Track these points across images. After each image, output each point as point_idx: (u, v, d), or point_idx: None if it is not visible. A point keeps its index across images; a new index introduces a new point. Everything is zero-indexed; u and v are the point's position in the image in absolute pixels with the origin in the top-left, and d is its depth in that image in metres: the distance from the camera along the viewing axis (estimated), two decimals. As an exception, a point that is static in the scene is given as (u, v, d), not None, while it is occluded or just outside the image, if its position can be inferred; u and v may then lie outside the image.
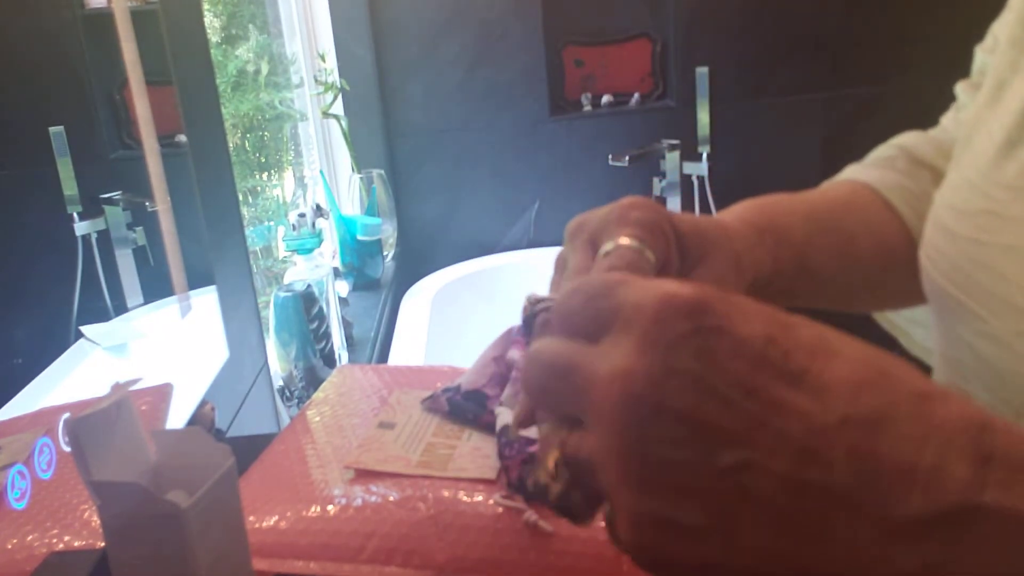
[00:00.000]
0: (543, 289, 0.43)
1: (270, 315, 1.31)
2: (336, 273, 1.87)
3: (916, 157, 0.55)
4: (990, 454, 0.22)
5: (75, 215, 0.67)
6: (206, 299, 0.92)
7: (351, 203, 2.10)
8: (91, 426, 0.34)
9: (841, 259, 0.49)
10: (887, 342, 0.63)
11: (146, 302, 0.78)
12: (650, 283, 0.25)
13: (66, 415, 0.39)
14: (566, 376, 0.26)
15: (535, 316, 0.37)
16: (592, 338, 0.26)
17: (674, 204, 2.21)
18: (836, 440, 0.22)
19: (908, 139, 0.57)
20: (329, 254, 1.95)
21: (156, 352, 0.78)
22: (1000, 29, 0.49)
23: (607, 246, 0.35)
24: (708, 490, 0.23)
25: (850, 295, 0.54)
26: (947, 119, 0.58)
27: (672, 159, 2.18)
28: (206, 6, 1.55)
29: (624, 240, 0.35)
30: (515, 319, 0.38)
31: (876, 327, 0.65)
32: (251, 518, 0.47)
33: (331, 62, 2.11)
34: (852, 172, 0.57)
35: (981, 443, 0.22)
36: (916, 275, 0.52)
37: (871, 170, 0.56)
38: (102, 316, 0.71)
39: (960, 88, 0.56)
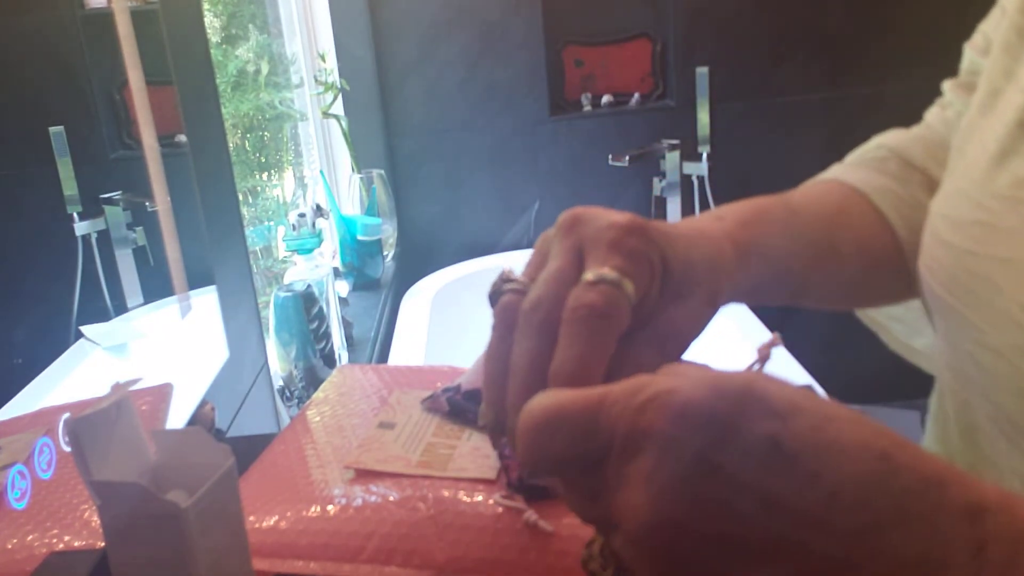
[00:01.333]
0: None
1: (270, 315, 1.31)
2: (336, 273, 1.87)
3: (907, 160, 0.54)
4: (984, 542, 0.23)
5: (75, 215, 0.67)
6: (206, 299, 0.92)
7: (351, 203, 2.10)
8: (91, 426, 0.34)
9: (825, 271, 0.49)
10: (870, 337, 0.63)
11: (146, 302, 0.78)
12: (638, 399, 0.25)
13: (66, 415, 0.39)
14: (594, 500, 0.27)
15: (501, 294, 0.36)
16: (586, 470, 0.27)
17: (674, 204, 2.22)
18: (859, 548, 0.23)
19: (896, 139, 0.56)
20: (329, 254, 1.95)
21: (156, 352, 0.78)
22: (992, 30, 0.49)
23: (589, 275, 0.33)
24: None
25: (831, 299, 0.53)
26: (932, 116, 0.57)
27: (672, 159, 2.18)
28: (206, 6, 1.55)
29: (607, 272, 0.33)
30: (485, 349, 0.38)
31: (858, 322, 0.65)
32: (251, 518, 0.47)
33: (331, 62, 2.10)
34: (838, 172, 0.56)
35: (975, 531, 0.23)
36: (900, 278, 0.51)
37: (860, 171, 0.54)
38: (102, 316, 0.71)
39: (947, 86, 0.55)
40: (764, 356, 0.53)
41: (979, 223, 0.39)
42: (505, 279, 0.37)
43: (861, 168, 0.55)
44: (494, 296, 0.37)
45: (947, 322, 0.42)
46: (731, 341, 1.65)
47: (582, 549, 0.31)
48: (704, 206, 2.24)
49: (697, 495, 0.23)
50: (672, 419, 0.24)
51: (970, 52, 0.52)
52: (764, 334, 1.66)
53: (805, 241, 0.48)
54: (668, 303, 0.36)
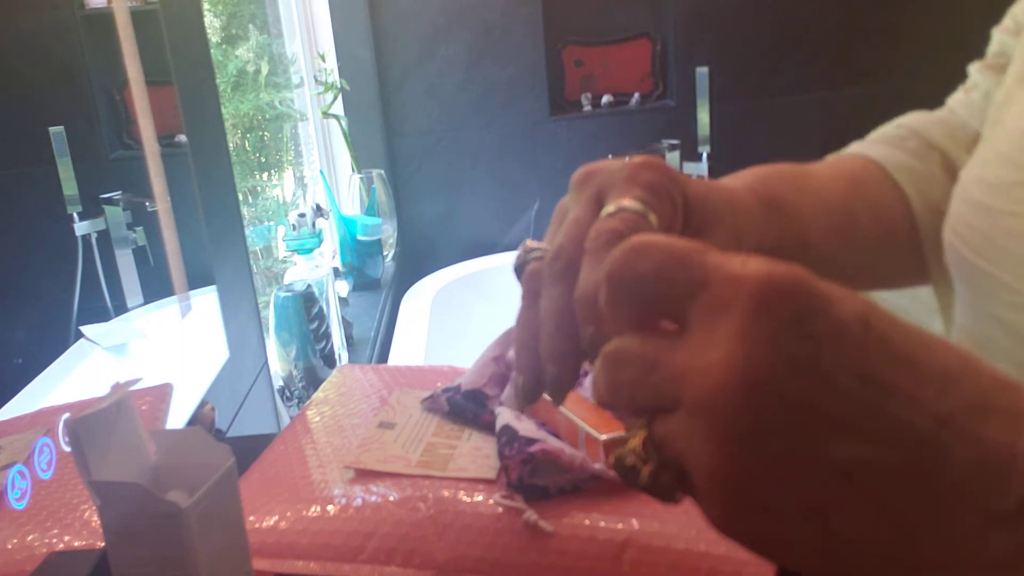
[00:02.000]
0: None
1: (270, 315, 1.31)
2: (336, 273, 1.87)
3: (926, 139, 0.54)
4: None
5: (75, 215, 0.67)
6: (206, 299, 0.92)
7: (351, 203, 2.10)
8: (91, 426, 0.34)
9: (842, 237, 0.49)
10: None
11: (146, 302, 0.78)
12: (738, 258, 0.24)
13: (66, 415, 0.39)
14: (648, 373, 0.25)
15: (526, 264, 0.36)
16: (665, 310, 0.25)
17: (674, 204, 2.22)
18: (950, 429, 0.22)
19: (916, 120, 0.57)
20: (329, 254, 1.95)
21: (156, 352, 0.78)
22: (1022, 12, 0.49)
23: (610, 207, 0.33)
24: (814, 479, 0.22)
25: (847, 272, 0.53)
26: (955, 100, 0.57)
27: (672, 159, 2.18)
28: (206, 6, 1.55)
29: (628, 202, 0.33)
30: (515, 319, 0.37)
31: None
32: (251, 518, 0.47)
33: (331, 62, 2.11)
34: (857, 148, 0.56)
35: None
36: (913, 255, 0.52)
37: (880, 147, 0.55)
38: (102, 316, 0.71)
39: (975, 68, 0.55)
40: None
41: (1020, 183, 0.39)
42: (528, 249, 0.36)
43: (880, 144, 0.56)
44: (519, 268, 0.36)
45: (975, 287, 0.43)
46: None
47: (611, 453, 0.28)
48: (704, 206, 2.24)
49: (792, 357, 0.22)
50: (771, 278, 0.23)
51: (1000, 35, 0.53)
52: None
53: (823, 203, 0.48)
54: (691, 238, 0.36)
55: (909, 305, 0.59)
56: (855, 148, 0.57)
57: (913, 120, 0.57)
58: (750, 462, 0.23)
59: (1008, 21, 0.52)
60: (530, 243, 0.36)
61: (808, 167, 0.50)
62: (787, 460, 0.22)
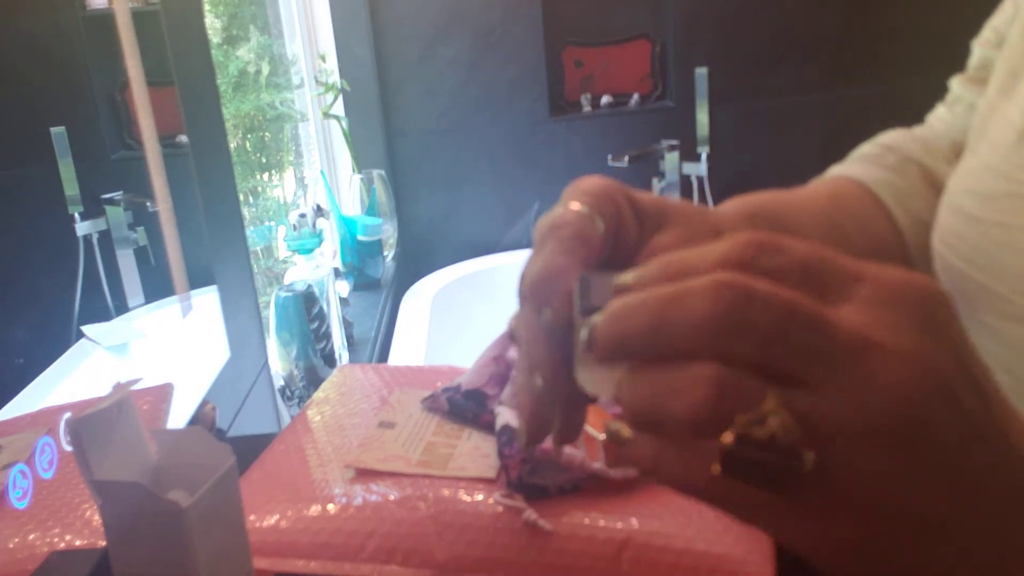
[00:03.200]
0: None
1: (271, 315, 1.31)
2: (336, 273, 1.87)
3: (904, 154, 0.55)
4: None
5: (76, 215, 0.68)
6: (207, 299, 0.92)
7: (351, 203, 2.10)
8: (92, 425, 0.34)
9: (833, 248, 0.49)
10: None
11: (147, 302, 0.78)
12: (890, 268, 0.25)
13: (67, 415, 0.39)
14: (811, 330, 0.23)
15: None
16: (824, 296, 0.24)
17: (674, 204, 2.21)
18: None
19: (893, 137, 0.57)
20: (329, 254, 1.95)
21: (157, 352, 0.78)
22: (1003, 24, 0.49)
23: (556, 210, 0.33)
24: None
25: None
26: (935, 117, 0.58)
27: (672, 159, 2.18)
28: (207, 7, 1.56)
29: (573, 205, 0.33)
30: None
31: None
32: (251, 517, 0.47)
33: (331, 63, 2.11)
34: (838, 169, 0.57)
35: None
36: (904, 267, 0.52)
37: (858, 166, 0.56)
38: (103, 316, 0.71)
39: (956, 82, 0.56)
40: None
41: (1009, 195, 0.40)
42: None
43: (858, 163, 0.56)
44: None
45: (965, 296, 0.43)
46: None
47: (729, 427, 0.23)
48: (704, 206, 2.24)
49: (964, 355, 0.24)
50: (927, 281, 0.25)
51: (980, 48, 0.53)
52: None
53: (814, 219, 0.48)
54: (652, 233, 0.36)
55: None
56: (834, 171, 0.57)
57: (889, 138, 0.58)
58: (914, 453, 0.23)
59: (988, 33, 0.52)
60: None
61: (791, 190, 0.50)
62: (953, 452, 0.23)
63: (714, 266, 0.24)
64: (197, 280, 0.89)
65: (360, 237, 1.88)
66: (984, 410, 0.24)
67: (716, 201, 2.20)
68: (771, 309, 0.23)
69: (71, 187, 0.66)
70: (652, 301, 0.24)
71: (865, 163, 0.55)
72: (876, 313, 0.23)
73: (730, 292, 0.23)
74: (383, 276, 1.97)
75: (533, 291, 0.30)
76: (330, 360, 1.37)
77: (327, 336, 1.36)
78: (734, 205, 0.44)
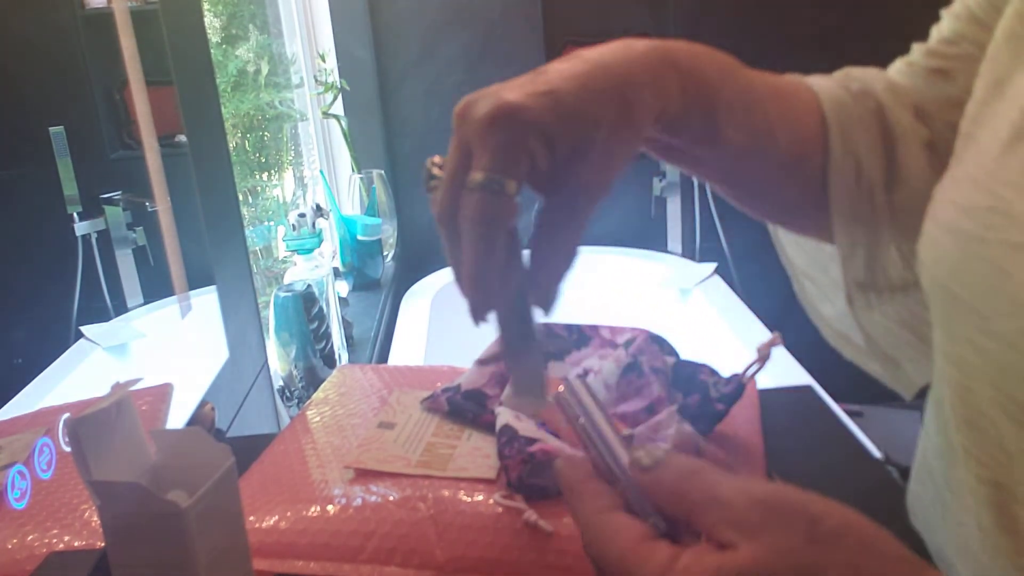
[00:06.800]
0: None
1: (270, 315, 1.31)
2: (336, 273, 1.87)
3: (867, 86, 0.53)
4: None
5: (75, 215, 0.67)
6: (206, 299, 0.92)
7: (351, 203, 2.10)
8: (91, 426, 0.34)
9: (755, 141, 0.46)
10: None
11: (146, 302, 0.78)
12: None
13: (66, 415, 0.39)
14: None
15: (429, 189, 0.39)
16: None
17: (674, 204, 2.21)
18: None
19: (863, 71, 0.55)
20: (329, 254, 1.95)
21: (156, 352, 0.78)
22: (975, 4, 0.49)
23: (469, 179, 0.36)
24: None
25: (753, 186, 0.50)
26: (894, 70, 0.56)
27: (672, 159, 2.18)
28: (206, 6, 1.55)
29: (480, 176, 0.35)
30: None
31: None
32: (251, 518, 0.47)
33: (331, 62, 2.10)
34: (800, 76, 0.56)
35: None
36: (820, 197, 0.50)
37: (821, 79, 0.55)
38: (102, 316, 0.71)
39: (918, 50, 0.55)
40: (764, 356, 0.53)
41: (990, 209, 0.39)
42: (430, 172, 0.40)
43: (822, 77, 0.55)
44: (424, 185, 0.40)
45: (947, 309, 0.42)
46: (731, 341, 1.65)
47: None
48: (704, 206, 2.24)
49: None
50: None
51: (948, 19, 0.52)
52: (764, 334, 1.66)
53: (744, 102, 0.45)
54: (568, 162, 0.37)
55: (818, 275, 0.59)
56: (796, 76, 0.55)
57: (860, 70, 0.55)
58: None
59: (958, 5, 0.51)
60: (433, 162, 0.40)
61: (746, 69, 0.47)
62: None
63: None
64: (196, 280, 0.89)
65: (360, 237, 1.87)
66: None
67: (717, 201, 2.20)
68: None
69: (70, 187, 0.66)
70: None
71: (830, 79, 0.55)
72: None
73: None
74: (383, 276, 1.96)
75: (480, 303, 0.38)
76: (329, 360, 1.37)
77: (326, 336, 1.36)
78: (669, 51, 0.41)
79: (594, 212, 0.37)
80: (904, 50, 0.57)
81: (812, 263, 0.59)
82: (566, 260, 0.38)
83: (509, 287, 0.38)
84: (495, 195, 0.35)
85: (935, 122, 0.50)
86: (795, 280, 0.61)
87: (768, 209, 0.55)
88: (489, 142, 0.36)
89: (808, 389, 0.73)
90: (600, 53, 0.40)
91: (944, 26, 0.53)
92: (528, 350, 0.39)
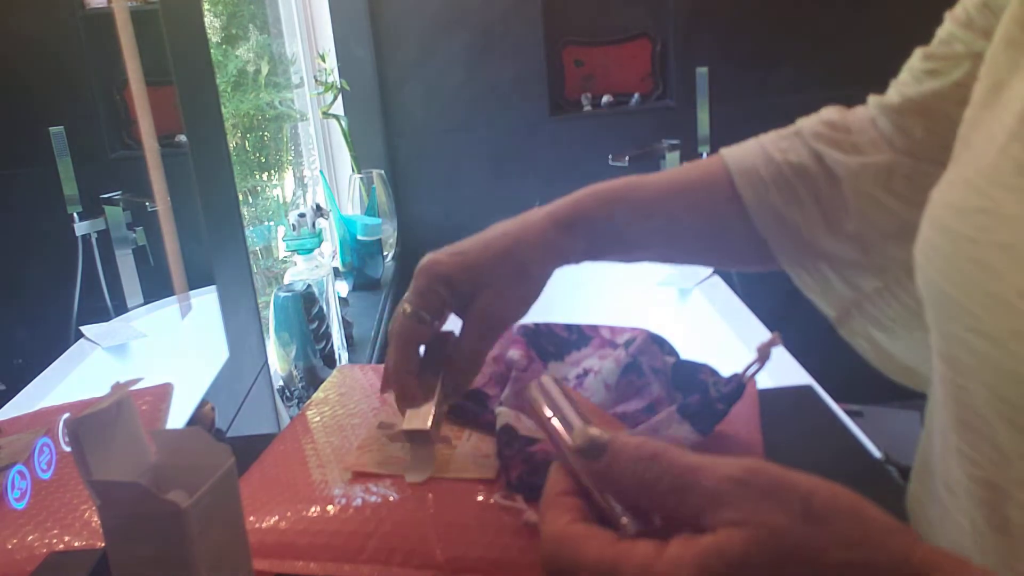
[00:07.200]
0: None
1: (270, 315, 1.31)
2: (336, 273, 1.87)
3: (804, 137, 0.58)
4: None
5: (75, 215, 0.67)
6: (206, 299, 0.92)
7: (351, 203, 2.10)
8: (91, 426, 0.34)
9: (667, 238, 0.58)
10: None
11: (146, 302, 0.78)
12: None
13: (66, 415, 0.39)
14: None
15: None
16: None
17: (674, 204, 2.21)
18: None
19: (819, 118, 0.59)
20: (329, 254, 1.95)
21: (156, 352, 0.78)
22: (975, 10, 0.49)
23: (400, 308, 0.52)
24: None
25: (690, 257, 0.63)
26: (899, 83, 0.58)
27: (672, 159, 2.18)
28: (206, 6, 1.55)
29: (406, 307, 0.51)
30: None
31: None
32: (251, 518, 0.47)
33: (331, 62, 2.10)
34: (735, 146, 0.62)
35: None
36: (755, 245, 0.58)
37: (749, 143, 0.61)
38: (102, 316, 0.71)
39: (916, 55, 0.55)
40: (764, 356, 0.53)
41: (981, 210, 0.40)
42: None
43: (752, 140, 0.61)
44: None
45: (941, 309, 0.43)
46: (731, 341, 1.65)
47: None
48: (704, 206, 2.24)
49: None
50: None
51: (948, 23, 0.52)
52: (764, 334, 1.66)
53: (641, 211, 0.57)
54: (473, 301, 0.52)
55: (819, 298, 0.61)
56: (708, 160, 0.63)
57: (816, 118, 0.60)
58: None
59: (959, 10, 0.52)
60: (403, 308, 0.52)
61: (641, 178, 0.59)
62: None
63: None
64: (196, 280, 0.89)
65: (360, 237, 1.87)
66: None
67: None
68: None
69: (70, 187, 0.66)
70: None
71: (750, 151, 0.60)
72: None
73: None
74: (383, 276, 1.96)
75: (385, 386, 0.51)
76: (329, 360, 1.37)
77: (326, 336, 1.35)
78: (556, 213, 0.56)
79: (494, 336, 0.52)
80: (902, 49, 0.58)
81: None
82: (471, 365, 0.51)
83: (413, 382, 0.51)
84: (411, 320, 0.51)
85: (925, 120, 0.53)
86: (858, 343, 0.64)
87: (718, 265, 0.67)
88: (414, 284, 0.52)
89: (808, 389, 0.73)
90: (506, 225, 0.56)
91: (943, 28, 0.53)
92: (423, 436, 0.49)
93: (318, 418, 0.59)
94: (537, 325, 0.63)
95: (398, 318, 0.51)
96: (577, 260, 0.56)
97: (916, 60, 0.56)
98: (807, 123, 0.59)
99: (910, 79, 0.56)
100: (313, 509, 0.47)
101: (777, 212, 0.56)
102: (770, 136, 0.61)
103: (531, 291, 0.53)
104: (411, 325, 0.51)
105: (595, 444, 0.31)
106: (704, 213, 0.59)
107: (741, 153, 0.60)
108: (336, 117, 2.01)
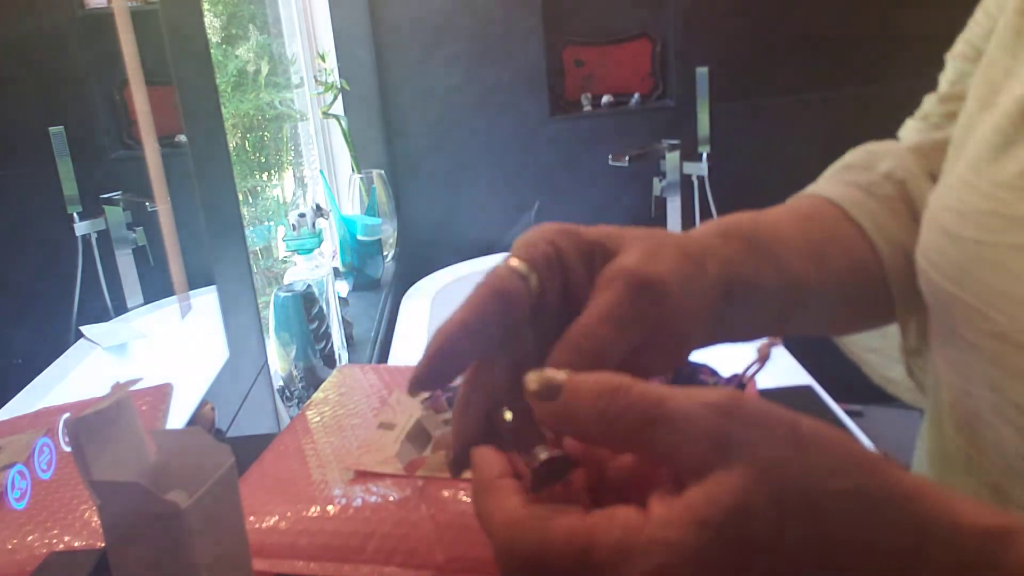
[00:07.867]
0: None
1: (270, 315, 1.31)
2: (336, 273, 1.87)
3: (882, 171, 0.52)
4: None
5: (75, 215, 0.67)
6: (206, 299, 0.92)
7: (351, 203, 2.10)
8: (91, 426, 0.34)
9: (818, 266, 0.45)
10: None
11: (146, 302, 0.78)
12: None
13: (66, 415, 0.39)
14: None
15: None
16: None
17: (674, 204, 2.21)
18: None
19: (874, 150, 0.54)
20: (329, 254, 1.95)
21: (156, 352, 0.78)
22: (978, 38, 0.49)
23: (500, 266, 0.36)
24: None
25: (828, 311, 0.49)
26: (907, 130, 0.56)
27: (672, 159, 2.18)
28: (206, 6, 1.55)
29: (512, 261, 0.35)
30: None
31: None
32: (251, 518, 0.47)
33: (331, 62, 2.10)
34: (812, 189, 0.54)
35: None
36: (883, 286, 0.50)
37: (832, 186, 0.53)
38: (102, 316, 0.71)
39: (930, 100, 0.55)
40: (764, 356, 0.53)
41: (988, 212, 0.40)
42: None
43: (832, 182, 0.53)
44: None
45: (948, 314, 0.43)
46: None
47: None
48: (704, 206, 2.24)
49: None
50: None
51: (954, 62, 0.52)
52: (764, 334, 1.66)
53: (787, 237, 0.45)
54: (601, 266, 0.36)
55: (881, 344, 0.59)
56: (810, 189, 0.55)
57: (870, 150, 0.55)
58: None
59: (961, 47, 0.51)
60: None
61: (764, 211, 0.48)
62: None
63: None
64: (196, 280, 0.89)
65: (360, 237, 1.87)
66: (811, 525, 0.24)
67: (717, 201, 2.20)
68: None
69: (70, 187, 0.66)
70: None
71: (839, 183, 0.53)
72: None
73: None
74: (383, 276, 1.97)
75: (435, 347, 0.36)
76: (329, 360, 1.37)
77: (326, 336, 1.36)
78: (707, 226, 0.42)
79: (635, 320, 0.35)
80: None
81: (869, 335, 0.58)
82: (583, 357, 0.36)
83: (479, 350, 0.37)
84: (512, 273, 0.35)
85: None
86: (857, 358, 0.62)
87: (844, 324, 0.54)
88: (518, 242, 0.37)
89: (808, 389, 0.73)
90: None
91: (949, 70, 0.53)
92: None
93: (318, 418, 0.59)
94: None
95: (492, 272, 0.35)
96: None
97: (931, 106, 0.55)
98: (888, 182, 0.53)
99: (925, 127, 0.54)
100: (313, 509, 0.47)
101: (900, 243, 0.50)
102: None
103: (704, 300, 0.37)
104: (508, 277, 0.34)
105: (551, 384, 0.28)
106: (841, 242, 0.49)
107: (838, 190, 0.52)
108: (336, 117, 2.01)
